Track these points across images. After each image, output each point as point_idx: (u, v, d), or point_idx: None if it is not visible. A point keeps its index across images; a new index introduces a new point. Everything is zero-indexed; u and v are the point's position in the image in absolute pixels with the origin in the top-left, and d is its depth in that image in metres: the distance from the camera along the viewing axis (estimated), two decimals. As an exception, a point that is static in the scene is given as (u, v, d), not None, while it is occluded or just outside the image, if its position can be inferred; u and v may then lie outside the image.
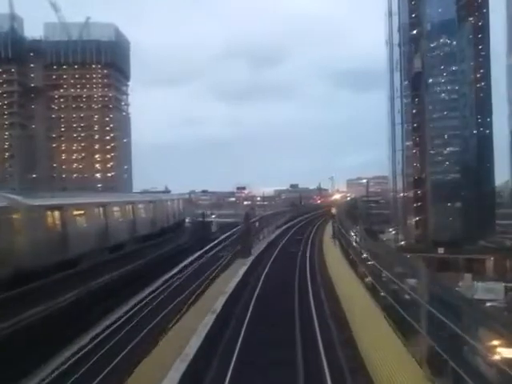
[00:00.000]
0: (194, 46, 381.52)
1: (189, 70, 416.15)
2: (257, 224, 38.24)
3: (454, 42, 70.49)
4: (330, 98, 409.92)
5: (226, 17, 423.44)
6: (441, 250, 60.76)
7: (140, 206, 34.24)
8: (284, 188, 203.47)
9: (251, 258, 27.13)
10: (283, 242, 38.39)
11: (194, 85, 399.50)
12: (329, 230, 45.76)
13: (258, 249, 31.75)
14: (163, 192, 78.73)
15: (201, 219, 49.75)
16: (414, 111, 74.56)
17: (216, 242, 37.24)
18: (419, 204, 74.18)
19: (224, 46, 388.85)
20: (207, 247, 34.65)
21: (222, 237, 39.54)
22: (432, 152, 72.66)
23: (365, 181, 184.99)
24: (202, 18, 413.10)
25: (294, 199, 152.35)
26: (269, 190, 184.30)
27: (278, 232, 46.07)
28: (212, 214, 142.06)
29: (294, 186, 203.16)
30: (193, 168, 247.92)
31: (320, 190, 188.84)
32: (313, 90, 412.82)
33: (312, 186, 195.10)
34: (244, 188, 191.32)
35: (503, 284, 45.69)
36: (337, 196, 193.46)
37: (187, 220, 49.29)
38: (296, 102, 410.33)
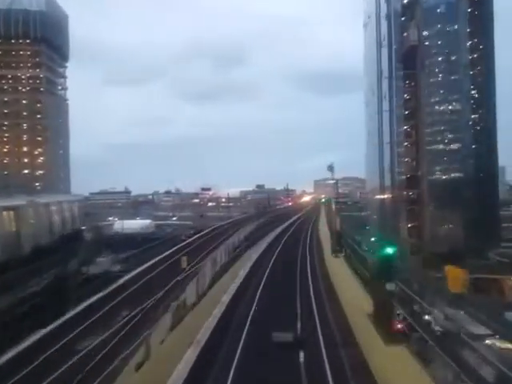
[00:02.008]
0: (158, 45, 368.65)
1: (153, 69, 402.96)
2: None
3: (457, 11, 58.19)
4: (296, 99, 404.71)
5: (190, 16, 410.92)
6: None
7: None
8: (250, 189, 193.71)
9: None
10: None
11: (158, 84, 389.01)
12: (340, 274, 25.98)
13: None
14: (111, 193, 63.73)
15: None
16: (406, 96, 61.90)
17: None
18: (412, 207, 61.70)
19: (188, 46, 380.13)
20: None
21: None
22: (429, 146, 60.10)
23: (332, 182, 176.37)
24: (167, 16, 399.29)
25: (260, 200, 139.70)
26: (234, 191, 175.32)
27: (232, 285, 23.73)
28: (173, 216, 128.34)
29: (260, 187, 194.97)
30: (158, 169, 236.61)
31: (287, 191, 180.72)
32: (278, 91, 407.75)
33: (279, 187, 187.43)
34: (209, 189, 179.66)
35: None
36: (307, 198, 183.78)
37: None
38: (261, 103, 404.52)
